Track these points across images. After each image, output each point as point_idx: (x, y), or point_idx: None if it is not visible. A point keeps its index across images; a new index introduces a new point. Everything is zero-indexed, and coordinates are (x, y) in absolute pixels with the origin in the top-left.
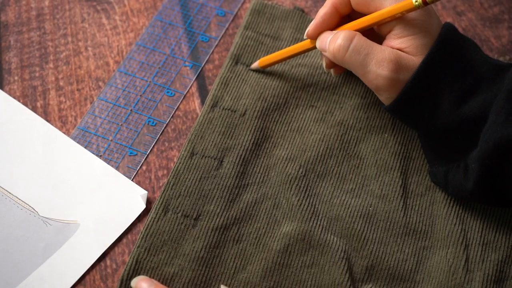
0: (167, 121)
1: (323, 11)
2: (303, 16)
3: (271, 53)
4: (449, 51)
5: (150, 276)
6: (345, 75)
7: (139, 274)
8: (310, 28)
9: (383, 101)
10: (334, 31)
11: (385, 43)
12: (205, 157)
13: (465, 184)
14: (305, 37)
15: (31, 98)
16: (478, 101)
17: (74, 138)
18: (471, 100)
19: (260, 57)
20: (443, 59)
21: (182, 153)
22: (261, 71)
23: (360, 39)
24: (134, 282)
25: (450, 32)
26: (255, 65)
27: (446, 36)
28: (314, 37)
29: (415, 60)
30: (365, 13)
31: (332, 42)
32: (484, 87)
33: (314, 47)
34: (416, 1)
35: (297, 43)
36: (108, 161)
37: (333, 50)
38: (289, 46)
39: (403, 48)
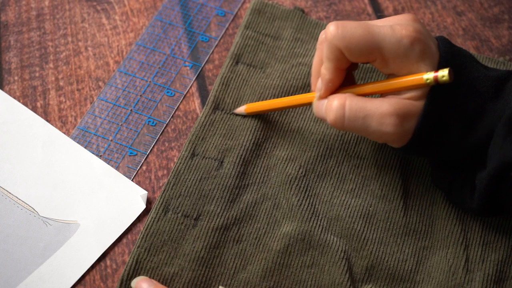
0: (167, 121)
1: (328, 77)
2: (303, 16)
3: (271, 52)
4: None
5: (150, 276)
6: None
7: (139, 274)
8: (322, 93)
9: (391, 146)
10: (327, 98)
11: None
12: (206, 158)
13: (470, 203)
14: (317, 98)
15: (31, 98)
16: (485, 127)
17: (74, 138)
18: (478, 128)
19: (260, 56)
20: (445, 94)
21: (183, 153)
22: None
23: (351, 102)
24: (134, 282)
25: (447, 56)
26: (240, 109)
27: (444, 64)
28: (327, 96)
29: (416, 105)
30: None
31: (328, 113)
32: (488, 109)
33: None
34: (427, 79)
35: (296, 43)
36: (108, 161)
37: (331, 122)
38: (289, 45)
39: (401, 96)
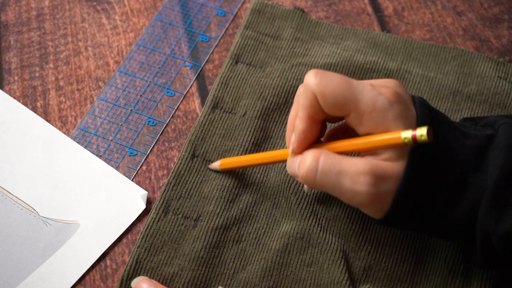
0: (167, 121)
1: (301, 127)
2: (303, 16)
3: (270, 52)
4: (429, 150)
5: (150, 276)
6: (346, 75)
7: (139, 274)
8: (294, 146)
9: (369, 215)
10: (302, 154)
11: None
12: (206, 161)
13: (473, 259)
14: (290, 154)
15: (31, 98)
16: (469, 200)
17: (74, 138)
18: (462, 200)
19: (260, 56)
20: (426, 159)
21: (183, 153)
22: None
23: (326, 157)
24: (134, 282)
25: (426, 119)
26: (215, 165)
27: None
28: (301, 152)
29: (393, 166)
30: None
31: (300, 166)
32: (471, 180)
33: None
34: (405, 138)
35: (296, 43)
36: (108, 161)
37: (302, 175)
38: (289, 45)
39: (378, 157)
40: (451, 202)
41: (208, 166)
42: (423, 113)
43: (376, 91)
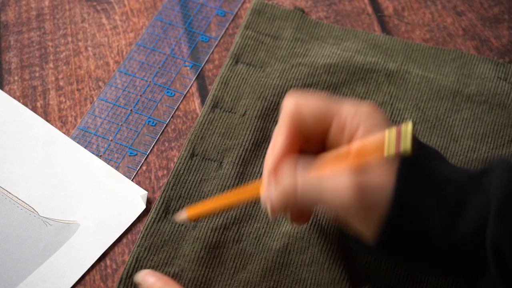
0: (167, 121)
1: (280, 141)
2: (303, 16)
3: (270, 52)
4: (419, 166)
5: None
6: (345, 75)
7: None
8: (271, 166)
9: (361, 234)
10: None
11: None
12: (206, 159)
13: None
14: (266, 178)
15: (31, 98)
16: (471, 219)
17: (74, 138)
18: (463, 220)
19: (260, 56)
20: (416, 177)
21: (182, 153)
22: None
23: (304, 177)
24: (139, 276)
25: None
26: (182, 216)
27: (407, 169)
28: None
29: (379, 174)
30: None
31: (276, 186)
32: (472, 200)
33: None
34: (389, 132)
35: (296, 43)
36: (108, 161)
37: (278, 195)
38: (289, 45)
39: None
40: (450, 222)
41: (173, 217)
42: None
43: (356, 104)
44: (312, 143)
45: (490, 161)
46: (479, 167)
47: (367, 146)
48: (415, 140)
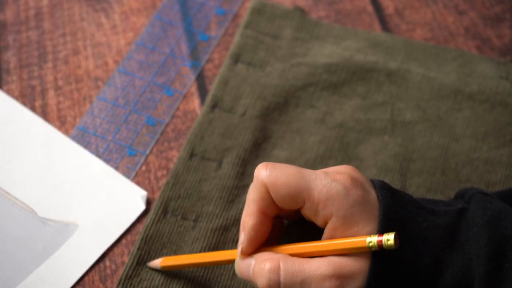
0: (167, 121)
1: (251, 222)
2: (304, 16)
3: (270, 52)
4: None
5: (149, 277)
6: (346, 75)
7: (138, 274)
8: (244, 246)
9: None
10: (253, 257)
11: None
12: (205, 159)
13: None
14: (239, 256)
15: (30, 98)
16: (448, 284)
17: (73, 138)
18: (440, 285)
19: (260, 55)
20: (392, 252)
21: (182, 153)
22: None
23: (287, 266)
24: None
25: (389, 210)
26: (155, 263)
27: (387, 223)
28: (252, 253)
29: (359, 262)
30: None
31: (258, 278)
32: (447, 262)
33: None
34: (370, 242)
35: (297, 43)
36: (107, 161)
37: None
38: (289, 45)
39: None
40: (438, 271)
41: (148, 264)
42: (386, 196)
43: (330, 179)
44: (286, 210)
45: (468, 195)
46: (459, 203)
47: (344, 248)
48: (397, 240)
